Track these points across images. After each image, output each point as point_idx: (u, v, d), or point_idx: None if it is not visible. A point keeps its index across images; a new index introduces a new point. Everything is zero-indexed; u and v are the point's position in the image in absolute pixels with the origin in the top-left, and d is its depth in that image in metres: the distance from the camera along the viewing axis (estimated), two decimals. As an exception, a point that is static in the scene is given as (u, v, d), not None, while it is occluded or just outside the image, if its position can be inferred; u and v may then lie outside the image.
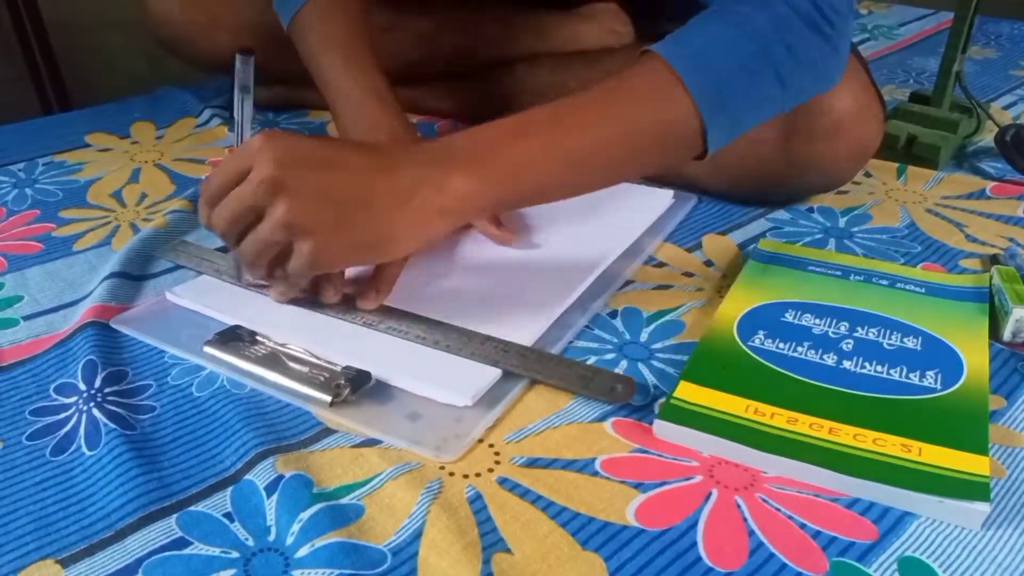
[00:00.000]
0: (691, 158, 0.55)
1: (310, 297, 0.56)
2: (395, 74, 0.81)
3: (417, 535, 0.40)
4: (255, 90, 0.55)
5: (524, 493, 0.43)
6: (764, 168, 0.69)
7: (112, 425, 0.47)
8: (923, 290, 0.59)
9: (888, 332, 0.54)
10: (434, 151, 0.51)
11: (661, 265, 0.65)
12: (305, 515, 0.41)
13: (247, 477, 0.44)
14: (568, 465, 0.45)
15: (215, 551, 0.40)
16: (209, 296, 0.58)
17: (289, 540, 0.40)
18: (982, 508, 0.40)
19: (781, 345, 0.52)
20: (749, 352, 0.52)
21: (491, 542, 0.40)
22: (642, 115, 0.52)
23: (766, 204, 0.73)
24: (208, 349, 0.52)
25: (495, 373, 0.50)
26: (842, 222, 0.71)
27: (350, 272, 0.57)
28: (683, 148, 0.55)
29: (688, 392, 0.48)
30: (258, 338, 0.53)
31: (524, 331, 0.54)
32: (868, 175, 0.79)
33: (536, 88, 0.84)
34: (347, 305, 0.56)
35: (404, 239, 0.50)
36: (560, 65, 0.82)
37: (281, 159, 0.47)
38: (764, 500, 0.42)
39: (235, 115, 0.55)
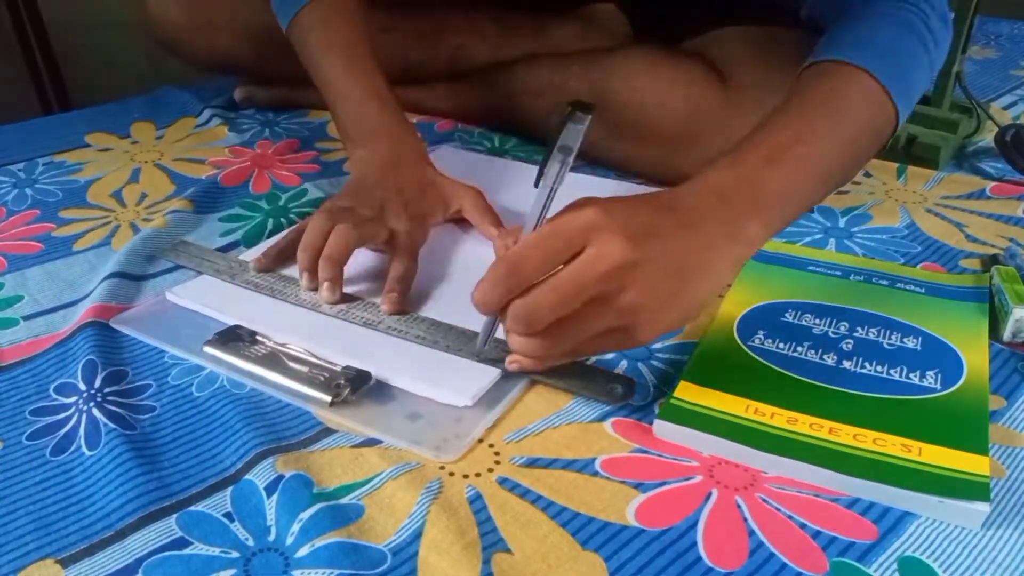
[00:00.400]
0: None
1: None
2: (395, 74, 0.81)
3: (417, 535, 0.40)
4: (256, 91, 0.54)
5: (524, 493, 0.43)
6: None
7: (112, 425, 0.47)
8: (923, 290, 0.59)
9: (888, 332, 0.54)
10: (715, 200, 0.48)
11: (661, 265, 0.64)
12: (305, 515, 0.41)
13: (247, 477, 0.44)
14: (568, 465, 0.45)
15: (215, 551, 0.40)
16: (209, 296, 0.58)
17: (289, 540, 0.40)
18: (982, 508, 0.40)
19: (781, 345, 0.52)
20: (749, 352, 0.52)
21: (491, 542, 0.40)
22: (863, 124, 0.56)
23: None
24: (208, 349, 0.52)
25: (495, 373, 0.50)
26: (842, 222, 0.71)
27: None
28: (884, 142, 0.59)
29: (688, 392, 0.48)
30: (258, 338, 0.53)
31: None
32: (868, 175, 0.79)
33: (535, 88, 0.84)
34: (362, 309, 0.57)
35: (710, 295, 0.47)
36: (560, 65, 0.83)
37: (633, 237, 0.43)
38: (764, 500, 0.42)
39: (546, 174, 0.45)
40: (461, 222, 0.69)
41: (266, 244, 0.66)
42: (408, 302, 0.57)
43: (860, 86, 0.55)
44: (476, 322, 0.54)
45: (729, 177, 0.49)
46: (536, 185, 0.45)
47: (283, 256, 0.62)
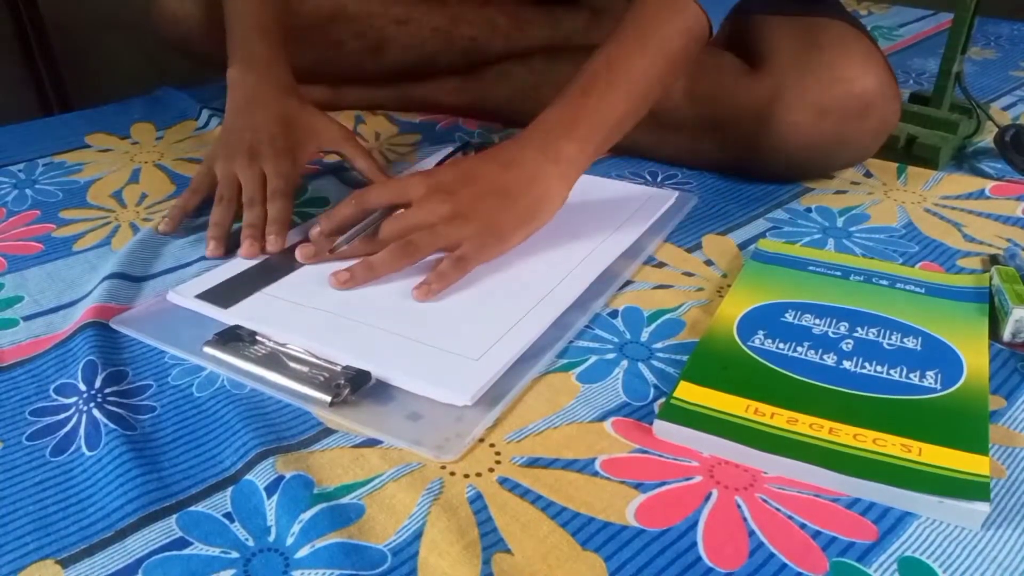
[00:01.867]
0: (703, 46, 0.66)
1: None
2: (410, 66, 0.86)
3: (417, 535, 0.40)
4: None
5: (524, 493, 0.43)
6: (801, 148, 0.73)
7: (112, 425, 0.47)
8: (923, 290, 0.59)
9: (888, 332, 0.54)
10: (537, 135, 0.62)
11: (661, 265, 0.65)
12: (305, 515, 0.41)
13: (247, 477, 0.44)
14: (568, 465, 0.45)
15: (215, 551, 0.40)
16: (209, 296, 0.58)
17: (289, 540, 0.40)
18: (982, 508, 0.40)
19: (781, 345, 0.52)
20: (749, 352, 0.52)
21: (491, 542, 0.40)
22: (670, 34, 0.64)
23: (798, 180, 0.78)
24: (208, 349, 0.52)
25: (495, 372, 0.50)
26: (840, 222, 0.71)
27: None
28: (701, 43, 0.66)
29: (688, 392, 0.48)
30: (258, 338, 0.53)
31: (524, 330, 0.54)
32: (868, 175, 0.79)
33: (556, 81, 0.84)
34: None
35: (545, 209, 0.62)
36: (578, 59, 0.83)
37: (446, 190, 0.59)
38: (764, 500, 0.42)
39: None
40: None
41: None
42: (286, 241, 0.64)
43: (669, 2, 0.64)
44: (477, 322, 0.54)
45: (550, 113, 0.63)
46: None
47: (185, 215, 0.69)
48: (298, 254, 0.62)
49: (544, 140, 0.62)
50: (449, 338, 0.53)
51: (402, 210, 0.61)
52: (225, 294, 0.58)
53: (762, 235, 0.69)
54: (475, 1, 0.91)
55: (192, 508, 0.42)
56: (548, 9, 0.90)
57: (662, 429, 0.46)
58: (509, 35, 0.89)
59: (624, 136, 0.80)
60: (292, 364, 0.51)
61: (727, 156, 0.78)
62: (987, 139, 0.85)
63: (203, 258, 0.65)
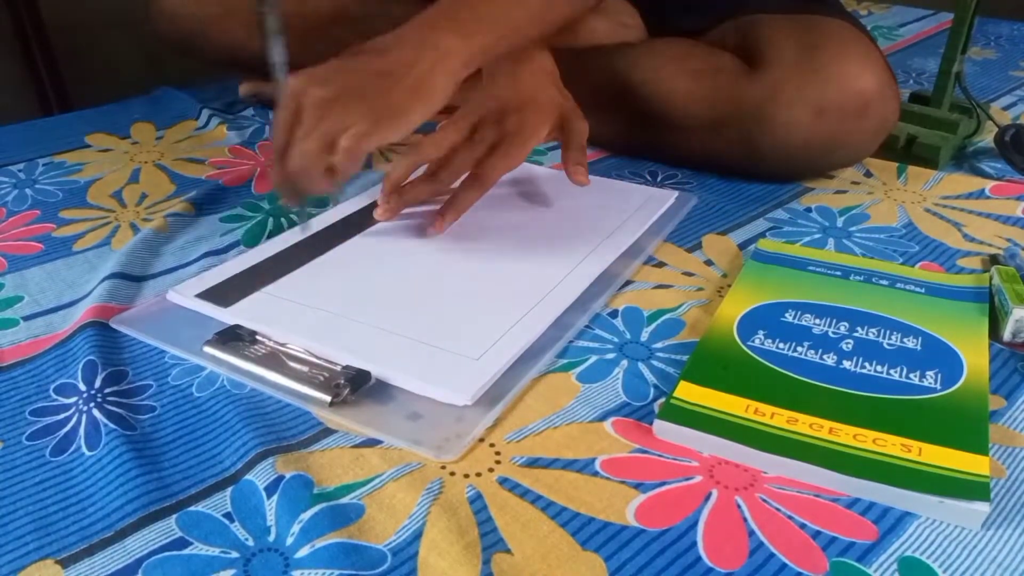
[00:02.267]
0: None
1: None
2: None
3: (417, 535, 0.40)
4: (264, 85, 0.57)
5: (524, 493, 0.43)
6: (799, 147, 0.73)
7: (112, 425, 0.47)
8: (923, 290, 0.59)
9: (888, 332, 0.54)
10: (420, 25, 0.61)
11: (661, 265, 0.65)
12: (305, 515, 0.41)
13: (247, 477, 0.44)
14: (568, 465, 0.45)
15: (215, 551, 0.40)
16: (209, 295, 0.58)
17: (289, 540, 0.40)
18: (982, 508, 0.40)
19: (781, 345, 0.52)
20: (749, 352, 0.52)
21: (491, 542, 0.40)
22: None
23: (797, 180, 0.78)
24: (208, 349, 0.52)
25: (496, 371, 0.50)
26: (840, 222, 0.71)
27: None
28: None
29: (688, 392, 0.48)
30: (258, 338, 0.53)
31: (524, 330, 0.54)
32: (869, 175, 0.79)
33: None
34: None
35: (426, 97, 0.59)
36: (579, 58, 0.84)
37: (323, 80, 0.57)
38: (764, 500, 0.42)
39: (273, 60, 0.59)
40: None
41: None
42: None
43: None
44: (477, 321, 0.54)
45: (435, 10, 0.62)
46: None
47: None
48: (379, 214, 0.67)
49: (420, 33, 0.60)
50: (449, 338, 0.53)
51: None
52: (225, 293, 0.58)
53: (762, 235, 0.69)
54: None
55: (192, 508, 0.42)
56: None
57: (662, 429, 0.46)
58: None
59: (626, 135, 0.81)
60: (292, 364, 0.51)
61: (727, 156, 0.78)
62: (987, 139, 0.85)
63: (203, 257, 0.65)
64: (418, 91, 0.59)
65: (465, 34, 0.61)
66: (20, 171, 0.82)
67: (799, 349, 0.52)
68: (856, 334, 0.54)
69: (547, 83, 0.70)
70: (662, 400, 0.49)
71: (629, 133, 0.80)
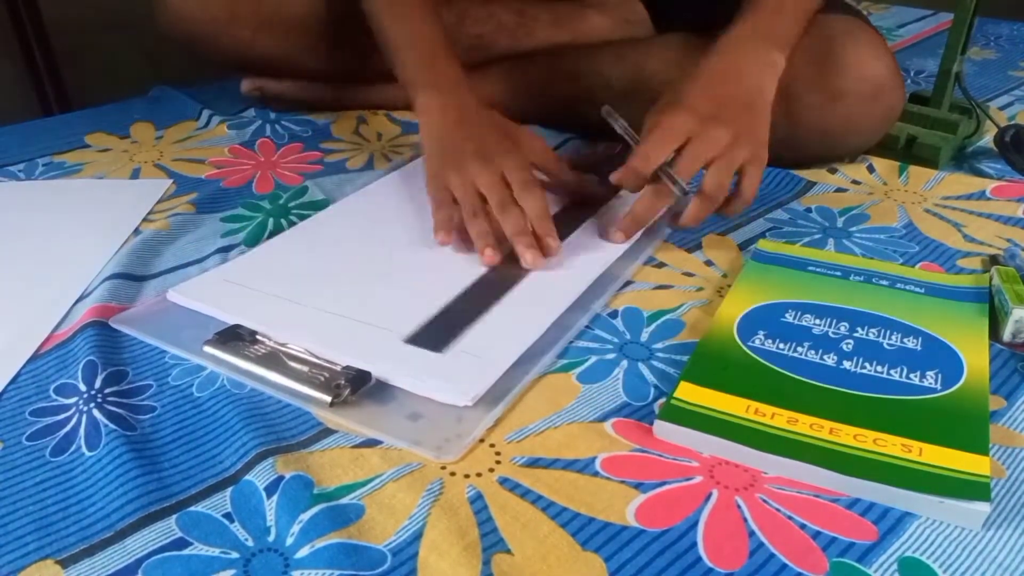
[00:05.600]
0: None
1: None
2: None
3: (417, 535, 0.40)
4: (267, 82, 0.56)
5: (524, 493, 0.43)
6: (816, 132, 0.75)
7: (112, 425, 0.47)
8: (923, 290, 0.59)
9: (888, 332, 0.54)
10: (746, 45, 0.68)
11: (661, 265, 0.65)
12: (305, 516, 0.41)
13: (247, 477, 0.44)
14: (568, 465, 0.45)
15: (215, 551, 0.40)
16: (210, 295, 0.58)
17: (289, 541, 0.40)
18: (982, 508, 0.40)
19: (781, 345, 0.52)
20: (749, 352, 0.52)
21: (491, 543, 0.40)
22: None
23: (809, 164, 0.80)
24: (208, 349, 0.52)
25: (496, 372, 0.50)
26: (840, 222, 0.71)
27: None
28: None
29: (688, 392, 0.48)
30: (258, 337, 0.53)
31: (526, 330, 0.54)
32: (871, 169, 0.80)
33: (561, 79, 0.86)
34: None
35: (767, 109, 0.67)
36: (593, 52, 0.84)
37: (711, 116, 0.63)
38: (764, 500, 0.42)
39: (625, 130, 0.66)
40: None
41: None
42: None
43: None
44: (478, 322, 0.54)
45: (749, 30, 0.68)
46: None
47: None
48: (615, 238, 0.66)
49: (756, 49, 0.67)
50: (451, 338, 0.53)
51: (684, 149, 0.63)
52: (225, 293, 0.58)
53: (762, 235, 0.69)
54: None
55: (192, 508, 0.42)
56: (552, 7, 0.90)
57: (662, 429, 0.46)
58: (515, 33, 0.90)
59: (639, 125, 0.82)
60: (292, 364, 0.51)
61: None
62: (987, 139, 0.85)
63: (204, 258, 0.65)
64: (766, 115, 0.66)
65: (781, 47, 0.68)
66: (20, 171, 0.82)
67: (799, 349, 0.52)
68: (856, 334, 0.54)
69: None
70: (662, 400, 0.49)
71: (641, 122, 0.81)
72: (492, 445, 0.46)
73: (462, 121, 0.69)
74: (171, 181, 0.78)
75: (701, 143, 0.62)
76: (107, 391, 0.50)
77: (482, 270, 0.61)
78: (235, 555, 0.39)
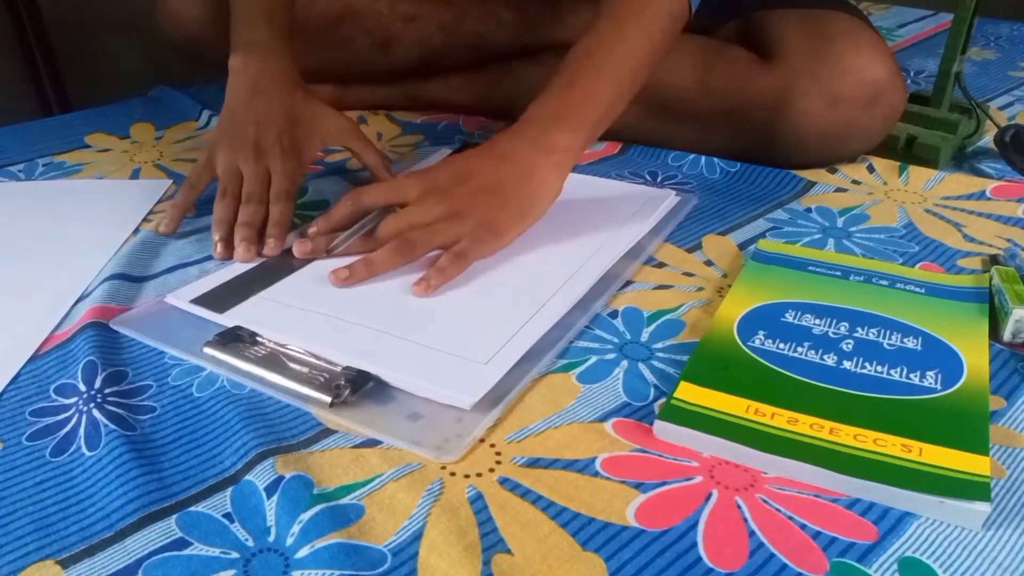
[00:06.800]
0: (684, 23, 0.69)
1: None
2: (418, 63, 0.87)
3: (417, 536, 0.40)
4: None
5: (525, 493, 0.43)
6: (815, 136, 0.75)
7: (112, 426, 0.47)
8: (923, 290, 0.59)
9: (888, 332, 0.54)
10: (528, 128, 0.63)
11: (661, 265, 0.65)
12: (305, 516, 0.41)
13: (247, 478, 0.44)
14: (569, 465, 0.45)
15: (215, 551, 0.40)
16: (209, 298, 0.58)
17: (289, 541, 0.40)
18: (982, 508, 0.40)
19: (781, 345, 0.52)
20: (749, 352, 0.52)
21: (491, 543, 0.40)
22: (649, 16, 0.65)
23: (809, 167, 0.80)
24: (208, 350, 0.52)
25: (498, 373, 0.50)
26: (840, 222, 0.71)
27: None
28: (681, 21, 0.68)
29: (688, 392, 0.48)
30: (258, 339, 0.53)
31: (527, 331, 0.54)
32: (871, 169, 0.80)
33: None
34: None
35: (541, 202, 0.63)
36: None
37: (442, 190, 0.60)
38: (764, 500, 0.42)
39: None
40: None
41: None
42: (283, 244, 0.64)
43: None
44: (478, 323, 0.54)
45: (538, 106, 0.64)
46: None
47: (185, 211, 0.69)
48: (296, 250, 0.62)
49: (536, 133, 0.63)
50: (451, 340, 0.53)
51: (399, 210, 0.61)
52: (222, 298, 0.58)
53: (762, 235, 0.69)
54: None
55: (192, 508, 0.42)
56: (553, 5, 0.90)
57: (662, 429, 0.46)
58: (515, 31, 0.90)
59: (637, 126, 0.82)
60: (292, 365, 0.51)
61: (739, 144, 0.80)
62: (987, 139, 0.85)
63: (207, 258, 0.65)
64: (528, 207, 0.63)
65: (573, 129, 0.63)
66: (20, 171, 0.82)
67: (799, 349, 0.52)
68: (856, 334, 0.54)
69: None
70: (662, 400, 0.49)
71: (642, 123, 0.81)
72: (492, 445, 0.46)
73: (256, 92, 0.69)
74: (171, 181, 0.78)
75: (415, 210, 0.60)
76: (107, 391, 0.50)
77: (483, 271, 0.61)
78: (235, 555, 0.39)
